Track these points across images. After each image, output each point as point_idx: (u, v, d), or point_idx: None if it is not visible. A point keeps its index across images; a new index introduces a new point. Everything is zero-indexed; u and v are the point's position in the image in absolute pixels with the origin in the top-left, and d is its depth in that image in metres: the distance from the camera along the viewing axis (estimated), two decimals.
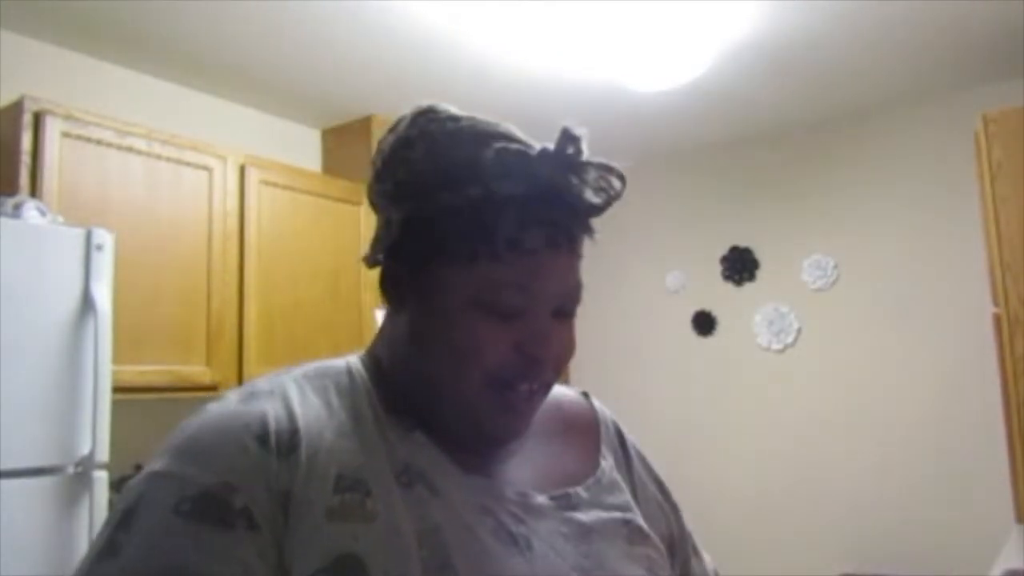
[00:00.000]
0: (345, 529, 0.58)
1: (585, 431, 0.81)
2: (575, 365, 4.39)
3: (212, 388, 2.68)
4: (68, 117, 2.40)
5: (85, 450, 1.94)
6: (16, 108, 2.32)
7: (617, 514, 0.72)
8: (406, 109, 0.70)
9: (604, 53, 2.92)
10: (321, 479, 0.60)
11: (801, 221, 3.78)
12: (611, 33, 2.76)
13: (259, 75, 3.05)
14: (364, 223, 3.25)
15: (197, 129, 3.01)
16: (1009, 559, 2.02)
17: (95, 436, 1.95)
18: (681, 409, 4.02)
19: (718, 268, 3.98)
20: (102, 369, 2.00)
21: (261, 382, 0.67)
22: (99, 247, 2.05)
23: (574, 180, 0.62)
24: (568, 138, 0.60)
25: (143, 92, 2.97)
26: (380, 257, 0.70)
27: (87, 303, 2.00)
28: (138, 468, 2.83)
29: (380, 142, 0.71)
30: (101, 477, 1.96)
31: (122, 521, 0.58)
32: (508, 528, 0.64)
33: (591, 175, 0.63)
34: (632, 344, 4.17)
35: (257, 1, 2.49)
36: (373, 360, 0.72)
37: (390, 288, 0.69)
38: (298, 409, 0.63)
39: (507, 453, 0.71)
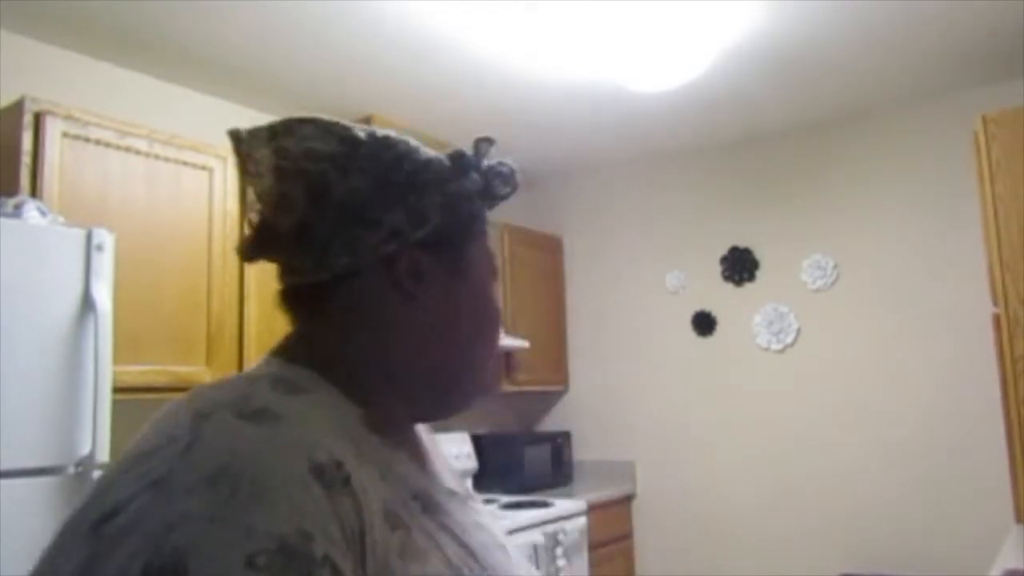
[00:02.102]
0: (412, 568, 0.56)
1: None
2: (574, 365, 4.39)
3: None
4: (68, 117, 2.39)
5: (85, 450, 1.94)
6: (16, 108, 2.32)
7: (483, 506, 0.78)
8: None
9: (604, 54, 2.92)
10: (376, 515, 0.55)
11: (801, 221, 3.78)
12: (611, 34, 2.76)
13: (260, 76, 3.05)
14: None
15: (197, 129, 3.01)
16: (1009, 559, 2.02)
17: (95, 436, 1.95)
18: (680, 409, 4.02)
19: (718, 268, 3.98)
20: (102, 369, 1.99)
21: (260, 398, 0.58)
22: (99, 247, 2.05)
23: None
24: (487, 142, 0.73)
25: (143, 92, 2.97)
26: (391, 250, 0.66)
27: (87, 303, 2.00)
28: None
29: (316, 144, 0.65)
30: None
31: None
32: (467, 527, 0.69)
33: (505, 171, 0.75)
34: (632, 344, 4.17)
35: (257, 2, 2.49)
36: (329, 373, 0.65)
37: (412, 281, 0.67)
38: (323, 435, 0.56)
39: (423, 455, 0.74)
